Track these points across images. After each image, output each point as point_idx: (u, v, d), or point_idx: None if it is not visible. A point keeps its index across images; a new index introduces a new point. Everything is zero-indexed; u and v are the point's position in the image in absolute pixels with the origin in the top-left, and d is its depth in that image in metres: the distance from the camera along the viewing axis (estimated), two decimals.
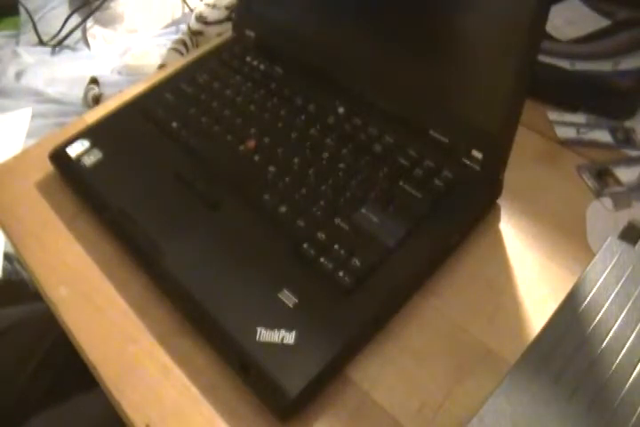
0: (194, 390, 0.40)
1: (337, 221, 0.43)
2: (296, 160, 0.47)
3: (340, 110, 0.51)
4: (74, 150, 0.52)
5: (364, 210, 0.44)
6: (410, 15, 0.45)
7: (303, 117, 0.51)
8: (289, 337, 0.38)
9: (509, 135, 0.42)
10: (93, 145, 0.52)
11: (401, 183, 0.45)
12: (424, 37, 0.45)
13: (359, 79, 0.51)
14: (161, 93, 0.56)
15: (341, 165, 0.47)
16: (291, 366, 0.37)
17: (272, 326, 0.38)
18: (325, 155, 0.48)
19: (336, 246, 0.42)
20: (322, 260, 0.41)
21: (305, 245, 0.42)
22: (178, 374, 0.41)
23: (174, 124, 0.53)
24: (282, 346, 0.38)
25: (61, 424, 0.59)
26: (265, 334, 0.38)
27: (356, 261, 0.41)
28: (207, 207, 0.46)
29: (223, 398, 0.39)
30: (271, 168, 0.47)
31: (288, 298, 0.40)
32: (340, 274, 0.40)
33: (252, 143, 0.50)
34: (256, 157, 0.49)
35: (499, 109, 0.41)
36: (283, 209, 0.45)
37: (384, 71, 0.49)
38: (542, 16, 0.37)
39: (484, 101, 0.43)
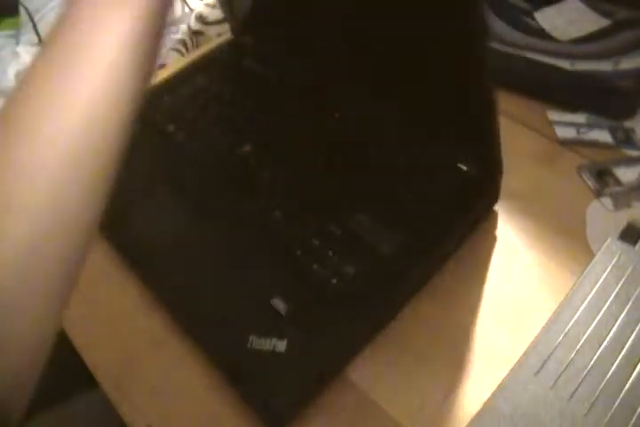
0: (194, 391, 0.40)
1: (331, 227, 0.43)
2: (292, 165, 0.47)
3: (337, 115, 0.51)
4: None
5: (359, 217, 0.43)
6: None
7: (299, 121, 0.51)
8: (280, 345, 0.37)
9: (497, 151, 0.41)
10: None
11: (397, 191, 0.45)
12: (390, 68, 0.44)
13: (358, 83, 0.51)
14: (159, 96, 0.56)
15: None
16: (281, 374, 0.37)
17: (264, 333, 0.38)
18: (322, 160, 0.47)
19: (330, 253, 0.41)
20: (315, 267, 0.41)
21: (298, 252, 0.42)
22: (178, 374, 0.40)
23: (170, 127, 0.53)
24: (273, 354, 0.37)
25: (61, 424, 0.59)
26: (256, 342, 0.38)
27: (351, 269, 0.40)
28: (200, 212, 0.46)
29: (224, 399, 0.39)
30: (266, 173, 0.47)
31: (280, 305, 0.39)
32: (334, 281, 0.40)
33: (247, 147, 0.50)
34: (252, 162, 0.48)
35: (479, 129, 0.40)
36: (277, 214, 0.44)
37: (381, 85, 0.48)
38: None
39: (462, 122, 0.42)
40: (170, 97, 0.56)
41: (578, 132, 0.52)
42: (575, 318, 0.36)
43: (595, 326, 0.36)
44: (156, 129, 0.53)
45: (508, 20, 0.60)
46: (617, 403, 0.32)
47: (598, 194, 0.47)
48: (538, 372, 0.34)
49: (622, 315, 0.36)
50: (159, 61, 0.90)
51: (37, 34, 1.42)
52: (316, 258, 0.41)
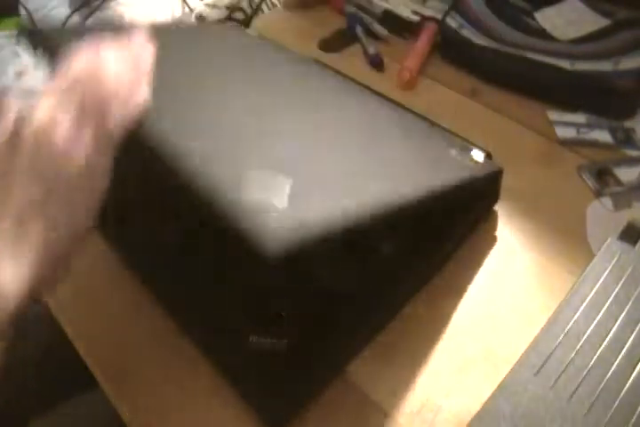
0: (195, 391, 0.40)
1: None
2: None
3: None
4: None
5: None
6: None
7: None
8: (280, 345, 0.37)
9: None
10: None
11: None
12: None
13: None
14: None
15: None
16: (281, 374, 0.36)
17: (264, 333, 0.38)
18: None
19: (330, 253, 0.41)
20: (315, 266, 0.41)
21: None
22: (178, 374, 0.40)
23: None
24: (273, 354, 0.37)
25: (62, 425, 0.59)
26: (256, 342, 0.37)
27: (351, 269, 0.40)
28: (199, 209, 0.46)
29: (224, 399, 0.39)
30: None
31: (281, 305, 0.39)
32: (334, 281, 0.40)
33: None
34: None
35: None
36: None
37: None
38: None
39: None
40: None
41: (578, 132, 0.52)
42: (575, 318, 0.36)
43: (595, 326, 0.36)
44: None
45: (507, 20, 0.60)
46: (617, 403, 0.32)
47: (598, 194, 0.47)
48: (538, 372, 0.34)
49: (622, 315, 0.36)
50: None
51: None
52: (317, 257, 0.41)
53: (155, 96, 0.36)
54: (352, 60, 0.63)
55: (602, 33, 0.56)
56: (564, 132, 0.52)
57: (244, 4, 0.76)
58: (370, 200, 0.36)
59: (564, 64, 0.53)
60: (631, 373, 0.33)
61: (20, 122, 0.34)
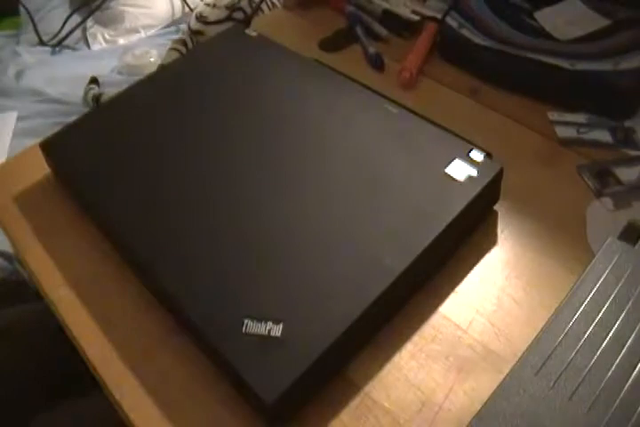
0: (195, 389, 0.40)
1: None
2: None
3: None
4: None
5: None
6: None
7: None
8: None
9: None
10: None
11: None
12: None
13: None
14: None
15: None
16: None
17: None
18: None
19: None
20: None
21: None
22: (178, 373, 0.40)
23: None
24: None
25: (61, 425, 0.59)
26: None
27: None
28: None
29: (224, 398, 0.39)
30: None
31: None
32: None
33: None
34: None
35: None
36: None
37: None
38: None
39: None
40: None
41: (578, 132, 0.52)
42: (575, 318, 0.36)
43: (595, 326, 0.36)
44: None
45: (508, 20, 0.60)
46: (617, 403, 0.32)
47: (598, 194, 0.47)
48: (538, 372, 0.34)
49: (622, 315, 0.36)
50: (159, 61, 0.90)
51: (37, 34, 1.42)
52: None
53: None
54: (352, 60, 0.64)
55: (602, 33, 0.56)
56: (564, 132, 0.53)
57: (244, 4, 0.76)
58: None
59: (564, 64, 0.53)
60: (631, 373, 0.33)
61: None
